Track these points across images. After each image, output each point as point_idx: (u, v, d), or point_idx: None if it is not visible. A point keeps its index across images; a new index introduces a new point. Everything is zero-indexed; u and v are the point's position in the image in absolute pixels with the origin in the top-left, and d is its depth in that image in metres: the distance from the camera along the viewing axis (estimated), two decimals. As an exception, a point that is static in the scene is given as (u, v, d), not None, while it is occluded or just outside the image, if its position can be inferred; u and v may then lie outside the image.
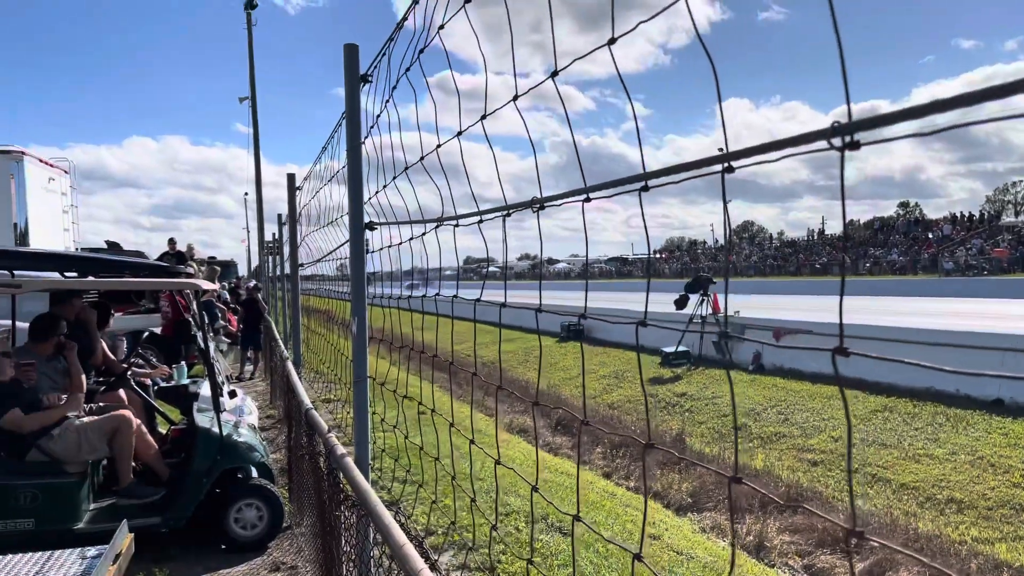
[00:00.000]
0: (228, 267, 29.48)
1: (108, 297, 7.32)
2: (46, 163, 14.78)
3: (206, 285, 6.01)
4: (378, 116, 2.82)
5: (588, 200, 1.35)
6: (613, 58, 1.16)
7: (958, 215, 52.18)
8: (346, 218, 3.13)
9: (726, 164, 0.94)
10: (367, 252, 3.06)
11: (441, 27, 1.96)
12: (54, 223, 15.01)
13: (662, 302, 17.21)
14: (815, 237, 64.82)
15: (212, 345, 6.71)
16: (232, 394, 6.25)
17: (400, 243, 2.83)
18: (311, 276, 8.87)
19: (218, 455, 5.28)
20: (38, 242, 13.61)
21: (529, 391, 16.59)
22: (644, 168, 1.14)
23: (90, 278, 5.93)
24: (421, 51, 2.15)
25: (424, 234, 2.43)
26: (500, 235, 1.82)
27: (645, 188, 1.15)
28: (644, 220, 1.21)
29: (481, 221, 1.90)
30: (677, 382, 15.85)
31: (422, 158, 2.29)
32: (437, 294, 2.37)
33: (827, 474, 10.20)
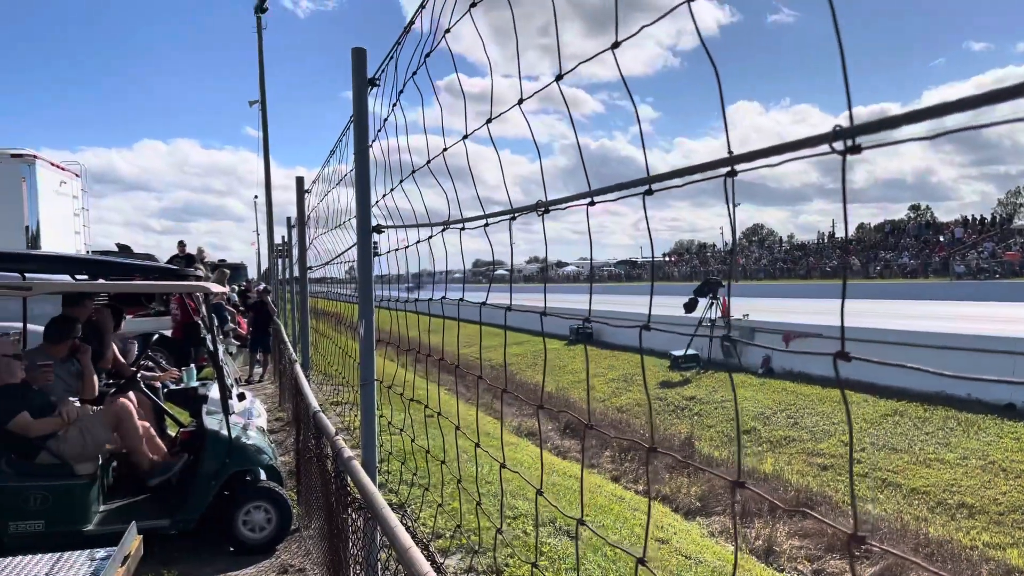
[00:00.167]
0: (238, 270, 29.57)
1: (119, 300, 7.36)
2: (57, 166, 14.87)
3: (215, 288, 6.04)
4: (385, 120, 2.83)
5: (592, 204, 1.35)
6: (617, 62, 1.17)
7: (970, 218, 51.89)
8: (354, 221, 3.14)
9: (729, 168, 0.95)
10: (374, 255, 3.06)
11: (447, 31, 1.96)
12: (65, 226, 15.10)
13: (671, 305, 17.16)
14: (825, 240, 64.55)
15: (221, 348, 6.74)
16: (241, 397, 6.27)
17: (407, 246, 2.84)
18: (320, 279, 8.89)
19: (227, 457, 5.30)
20: (49, 245, 13.70)
21: (537, 394, 16.58)
22: (648, 172, 1.14)
23: (101, 281, 5.97)
24: (427, 55, 2.16)
25: (431, 237, 2.44)
26: (507, 238, 1.82)
27: (649, 192, 1.15)
28: (648, 224, 1.21)
29: (487, 224, 1.90)
30: (686, 385, 15.81)
31: (428, 161, 2.29)
32: (443, 297, 2.37)
33: (837, 478, 10.15)
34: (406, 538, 1.89)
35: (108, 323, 6.47)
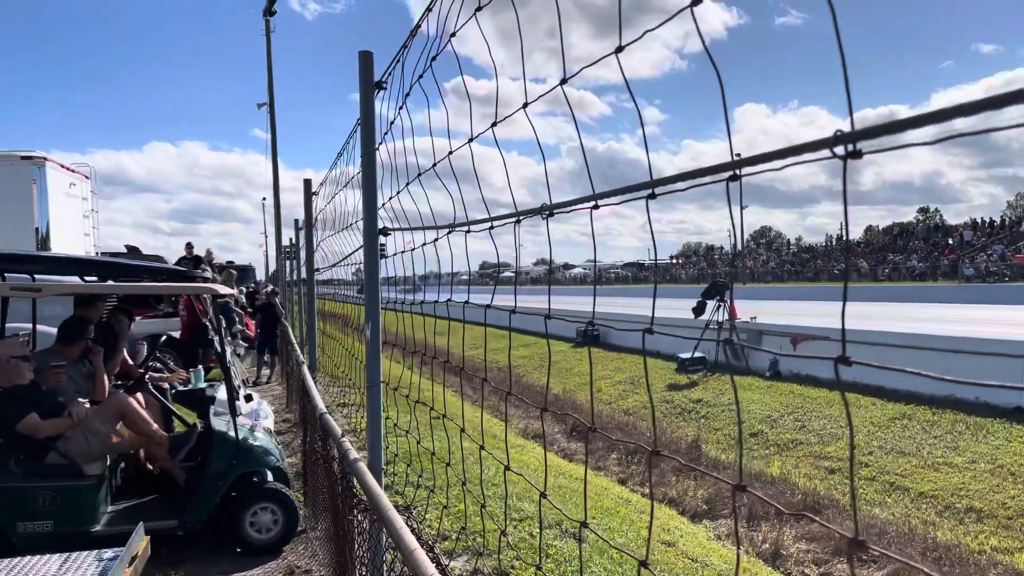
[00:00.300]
0: (246, 271, 29.66)
1: (128, 301, 7.40)
2: (67, 168, 14.95)
3: (223, 289, 6.06)
4: (392, 122, 2.84)
5: (596, 207, 1.36)
6: (620, 66, 1.17)
7: (979, 221, 51.63)
8: (361, 223, 3.15)
9: (732, 172, 0.95)
10: (381, 257, 3.08)
11: (453, 35, 1.97)
12: (75, 228, 15.17)
13: (678, 308, 17.14)
14: (833, 243, 64.31)
15: (229, 349, 6.76)
16: (248, 398, 6.29)
17: (413, 248, 2.85)
18: (328, 281, 8.92)
19: (234, 459, 5.32)
20: (59, 246, 13.77)
21: (543, 397, 16.56)
22: (651, 175, 1.15)
23: (109, 282, 6.00)
24: (434, 58, 2.17)
25: (437, 239, 2.45)
26: (510, 240, 1.82)
27: (652, 196, 1.16)
28: (651, 227, 1.21)
29: (492, 227, 1.91)
30: (693, 388, 15.78)
31: (435, 164, 2.30)
32: (449, 299, 2.38)
33: (844, 482, 10.11)
34: (411, 540, 1.90)
35: (125, 330, 6.52)
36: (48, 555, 3.39)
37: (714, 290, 17.53)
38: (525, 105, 1.58)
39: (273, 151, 29.08)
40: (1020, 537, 8.04)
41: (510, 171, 1.94)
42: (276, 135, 28.61)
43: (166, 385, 6.78)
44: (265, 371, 14.71)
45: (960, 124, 0.75)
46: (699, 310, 17.25)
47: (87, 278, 6.01)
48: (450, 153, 2.16)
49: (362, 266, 3.13)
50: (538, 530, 5.67)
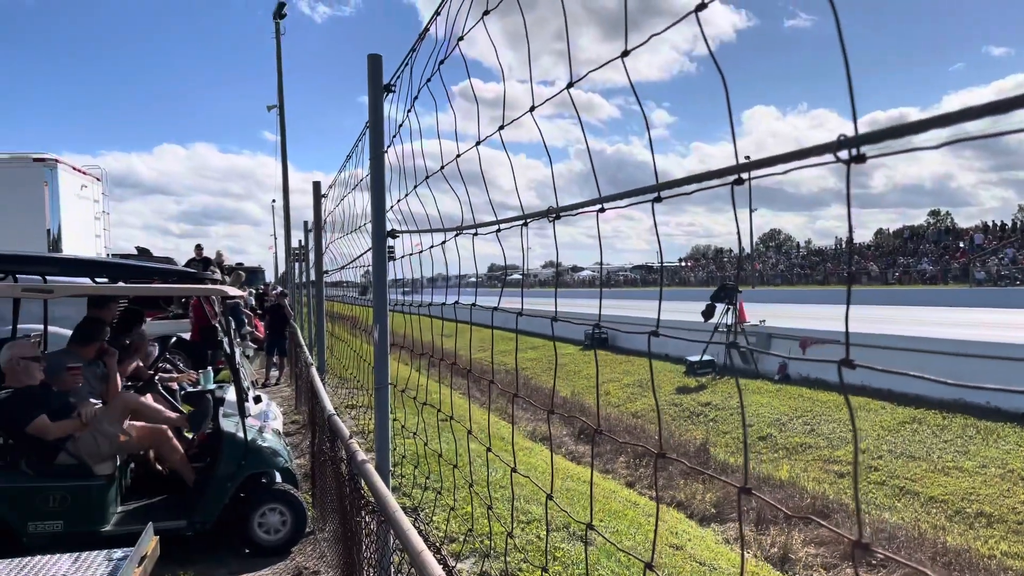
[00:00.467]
0: (256, 273, 29.76)
1: (139, 303, 7.43)
2: (79, 170, 15.04)
3: (232, 291, 6.09)
4: (400, 125, 2.86)
5: (603, 210, 1.37)
6: (626, 70, 1.18)
7: (990, 224, 51.31)
8: (370, 225, 3.16)
9: (736, 176, 0.95)
10: (389, 259, 3.09)
11: (460, 38, 1.98)
12: (86, 229, 15.26)
13: (687, 311, 17.11)
14: (842, 246, 64.05)
15: (238, 351, 6.79)
16: (257, 399, 6.32)
17: (421, 251, 2.86)
18: (336, 283, 8.94)
19: (243, 460, 5.34)
20: (70, 248, 13.86)
21: (553, 400, 16.56)
22: (657, 178, 1.15)
23: (120, 284, 6.03)
24: (442, 62, 2.18)
25: (444, 242, 2.45)
26: (519, 243, 1.83)
27: (658, 199, 1.16)
28: (657, 230, 1.22)
29: (499, 230, 1.91)
30: (702, 391, 15.74)
31: (443, 167, 2.31)
32: (456, 302, 2.39)
33: (854, 485, 10.07)
34: (419, 541, 1.91)
35: (145, 350, 6.60)
36: (58, 555, 3.42)
37: (723, 293, 17.49)
38: (532, 108, 1.59)
39: (283, 153, 29.23)
40: (1031, 542, 7.99)
41: (518, 174, 1.95)
42: (286, 137, 28.73)
43: (175, 386, 6.82)
44: (274, 373, 14.76)
45: (970, 127, 0.75)
46: (708, 313, 17.21)
47: (98, 280, 6.05)
48: (458, 156, 2.17)
49: (370, 268, 3.14)
50: (544, 532, 5.67)
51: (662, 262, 1.39)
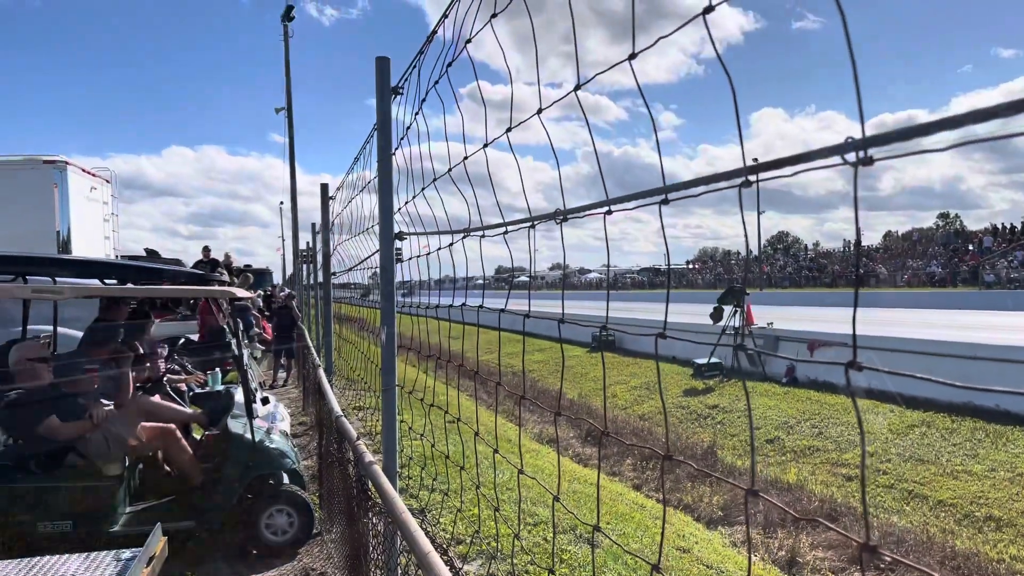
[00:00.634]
0: (263, 275, 29.83)
1: (147, 304, 7.46)
2: (88, 172, 15.11)
3: (240, 293, 6.11)
4: (408, 127, 2.86)
5: (610, 212, 1.37)
6: (634, 72, 1.18)
7: (999, 226, 51.01)
8: (377, 227, 3.17)
9: (744, 178, 0.96)
10: (397, 261, 3.09)
11: (468, 41, 1.99)
12: (95, 231, 15.33)
13: (695, 313, 17.08)
14: (851, 248, 63.76)
15: (246, 352, 6.81)
16: (265, 401, 6.33)
17: (429, 252, 2.87)
18: (344, 284, 8.95)
19: (250, 461, 5.36)
20: (80, 250, 13.92)
21: (560, 402, 16.53)
22: (664, 181, 1.15)
23: (129, 285, 6.06)
24: (449, 64, 2.18)
25: (452, 244, 2.46)
26: (527, 245, 1.83)
27: (665, 201, 1.17)
28: (664, 232, 1.22)
29: (507, 232, 1.92)
30: (709, 394, 15.71)
31: (450, 169, 2.32)
32: (463, 303, 2.39)
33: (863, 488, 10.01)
34: (425, 543, 1.91)
35: (156, 352, 6.64)
36: (67, 555, 3.43)
37: (730, 295, 17.45)
38: (540, 111, 1.59)
39: (291, 155, 29.30)
40: (1041, 547, 7.94)
41: (525, 176, 1.95)
42: (294, 139, 28.82)
43: (184, 387, 6.84)
44: (281, 374, 14.80)
45: (979, 130, 0.75)
46: (716, 315, 17.17)
47: (107, 281, 6.07)
48: (465, 158, 2.18)
49: (378, 270, 3.14)
50: (551, 534, 5.67)
51: (669, 264, 1.39)
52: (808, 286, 52.02)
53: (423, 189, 2.76)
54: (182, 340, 12.03)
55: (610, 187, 1.39)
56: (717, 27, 1.04)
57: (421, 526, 2.06)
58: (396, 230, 3.02)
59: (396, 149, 3.00)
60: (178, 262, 16.24)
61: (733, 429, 13.45)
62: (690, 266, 74.30)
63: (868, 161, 0.77)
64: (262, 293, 21.70)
